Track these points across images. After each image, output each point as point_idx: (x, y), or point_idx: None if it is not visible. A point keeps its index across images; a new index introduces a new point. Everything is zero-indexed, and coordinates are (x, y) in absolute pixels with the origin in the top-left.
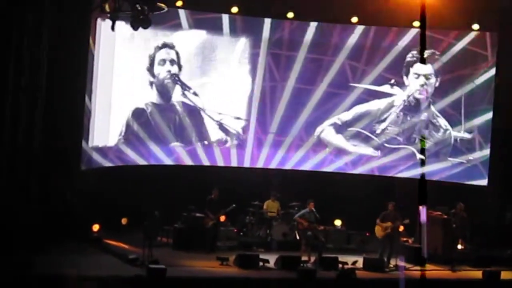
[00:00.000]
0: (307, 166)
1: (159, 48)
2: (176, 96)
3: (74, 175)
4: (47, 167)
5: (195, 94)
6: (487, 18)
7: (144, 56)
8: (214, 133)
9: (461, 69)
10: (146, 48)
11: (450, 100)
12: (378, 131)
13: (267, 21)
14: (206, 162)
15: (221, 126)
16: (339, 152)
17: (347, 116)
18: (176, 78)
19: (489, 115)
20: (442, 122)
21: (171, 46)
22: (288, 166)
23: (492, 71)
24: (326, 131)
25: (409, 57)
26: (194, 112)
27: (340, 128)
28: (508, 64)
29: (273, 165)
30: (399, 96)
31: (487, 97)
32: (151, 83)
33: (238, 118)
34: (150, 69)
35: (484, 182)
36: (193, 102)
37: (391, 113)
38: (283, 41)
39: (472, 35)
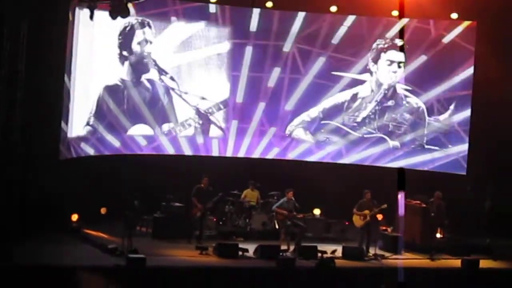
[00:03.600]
0: (288, 156)
1: (138, 25)
2: (153, 77)
3: (53, 165)
4: (26, 157)
5: (172, 79)
6: (466, 7)
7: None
8: (192, 120)
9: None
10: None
11: (429, 89)
12: (351, 121)
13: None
14: (185, 151)
15: (199, 112)
16: (316, 143)
17: (316, 110)
18: (154, 62)
19: (468, 105)
20: (413, 100)
21: (149, 26)
22: (271, 155)
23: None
24: (297, 130)
25: (380, 44)
26: (170, 96)
27: (310, 124)
28: (486, 55)
29: (254, 154)
30: (368, 84)
31: (466, 87)
32: (123, 60)
33: (219, 107)
34: (128, 45)
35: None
36: (170, 85)
37: (362, 102)
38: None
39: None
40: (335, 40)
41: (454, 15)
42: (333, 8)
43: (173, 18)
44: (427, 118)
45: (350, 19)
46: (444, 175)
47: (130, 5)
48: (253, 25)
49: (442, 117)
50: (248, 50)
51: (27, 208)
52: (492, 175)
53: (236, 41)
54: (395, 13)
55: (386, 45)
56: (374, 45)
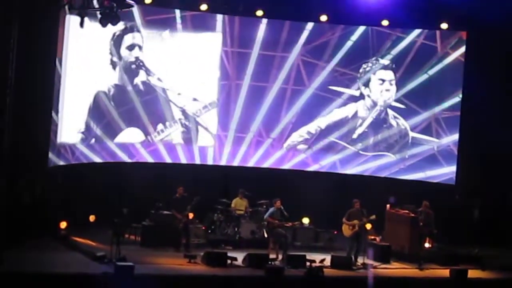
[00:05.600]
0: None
1: (126, 30)
2: (141, 80)
3: (42, 172)
4: (16, 163)
5: (159, 80)
6: (456, 17)
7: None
8: (181, 126)
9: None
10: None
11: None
12: (349, 137)
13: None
14: (181, 159)
15: (185, 113)
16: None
17: (316, 125)
18: (141, 64)
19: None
20: (400, 122)
21: (138, 30)
22: (266, 165)
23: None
24: (298, 146)
25: (368, 66)
26: (160, 100)
27: (308, 140)
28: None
29: (249, 163)
30: (364, 103)
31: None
32: (113, 65)
33: (206, 108)
34: (117, 52)
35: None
36: (158, 88)
37: (359, 119)
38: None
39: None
40: (340, 54)
41: (444, 25)
42: (323, 18)
43: (178, 27)
44: (410, 138)
45: (357, 33)
46: (432, 184)
47: (135, 12)
48: (260, 35)
49: (439, 139)
50: (253, 60)
51: (16, 215)
52: (480, 184)
53: (241, 50)
54: (385, 22)
55: (375, 66)
56: (361, 69)
